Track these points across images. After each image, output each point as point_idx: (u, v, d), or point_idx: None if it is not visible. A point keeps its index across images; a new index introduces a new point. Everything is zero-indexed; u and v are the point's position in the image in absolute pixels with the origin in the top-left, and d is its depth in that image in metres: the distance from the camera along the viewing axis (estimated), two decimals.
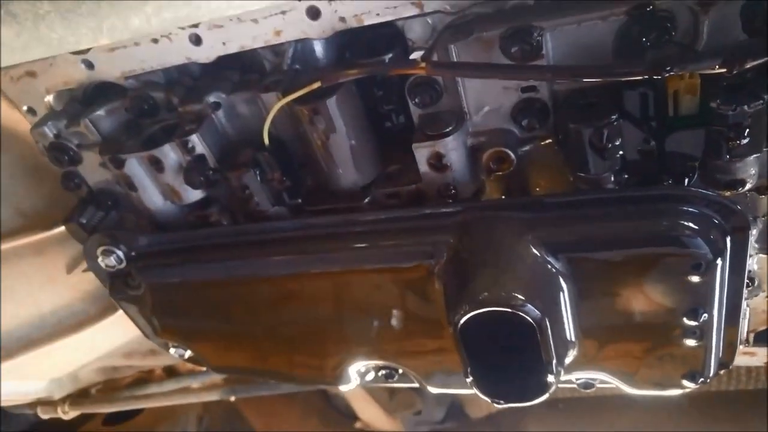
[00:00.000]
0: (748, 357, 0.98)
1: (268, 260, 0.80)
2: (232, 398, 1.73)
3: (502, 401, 0.76)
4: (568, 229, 0.69)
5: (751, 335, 0.89)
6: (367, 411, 2.04)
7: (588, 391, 0.87)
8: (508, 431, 1.95)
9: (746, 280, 0.77)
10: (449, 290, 0.71)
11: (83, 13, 0.64)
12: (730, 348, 0.76)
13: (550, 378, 0.71)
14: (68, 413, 1.48)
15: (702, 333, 0.71)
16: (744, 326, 0.86)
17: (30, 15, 0.65)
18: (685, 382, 0.77)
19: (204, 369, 1.69)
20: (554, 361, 0.69)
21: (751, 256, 0.76)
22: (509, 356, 0.72)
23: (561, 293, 0.70)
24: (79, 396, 1.49)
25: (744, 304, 0.82)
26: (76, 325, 1.13)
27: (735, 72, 0.57)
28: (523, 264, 0.68)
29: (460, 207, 0.74)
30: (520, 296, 0.66)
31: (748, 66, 0.56)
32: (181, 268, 0.84)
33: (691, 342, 0.72)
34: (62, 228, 0.94)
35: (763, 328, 0.89)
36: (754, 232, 0.74)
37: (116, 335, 1.22)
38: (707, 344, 0.72)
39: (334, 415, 2.16)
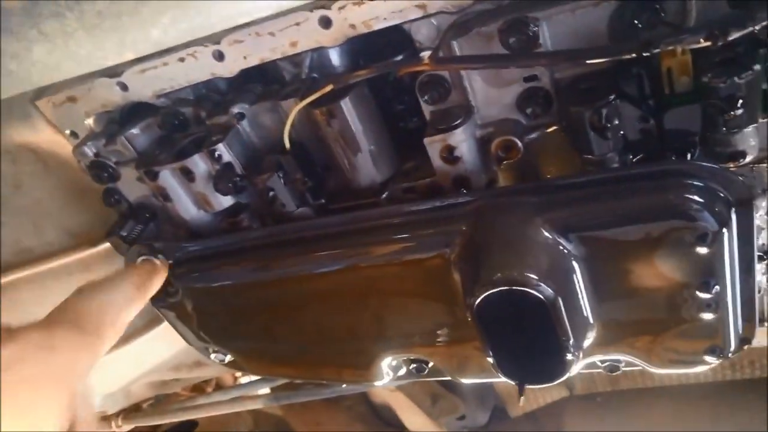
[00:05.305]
0: None
1: (293, 259, 0.84)
2: (274, 405, 1.77)
3: (525, 383, 0.78)
4: (576, 210, 0.71)
5: None
6: (412, 418, 2.06)
7: (615, 374, 0.88)
8: (549, 431, 1.96)
9: (760, 254, 0.78)
10: (465, 276, 0.74)
11: (106, 29, 0.70)
12: (749, 322, 0.77)
13: (569, 357, 0.73)
14: (121, 427, 1.54)
15: (717, 305, 0.72)
16: (765, 301, 0.87)
17: (59, 33, 0.72)
18: (707, 358, 0.78)
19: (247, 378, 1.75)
20: (571, 340, 0.71)
21: (763, 228, 0.77)
22: (529, 338, 0.74)
23: (574, 273, 0.72)
24: (132, 410, 1.56)
25: (760, 277, 0.83)
26: (124, 338, 1.19)
27: (720, 44, 0.59)
28: (534, 245, 0.71)
29: (472, 196, 0.77)
30: (533, 275, 0.68)
31: (731, 38, 0.59)
32: (214, 273, 0.89)
33: (707, 315, 0.73)
34: (107, 244, 1.00)
35: None
36: (763, 205, 0.76)
37: (163, 348, 1.28)
38: (724, 317, 0.73)
39: (380, 425, 2.19)
